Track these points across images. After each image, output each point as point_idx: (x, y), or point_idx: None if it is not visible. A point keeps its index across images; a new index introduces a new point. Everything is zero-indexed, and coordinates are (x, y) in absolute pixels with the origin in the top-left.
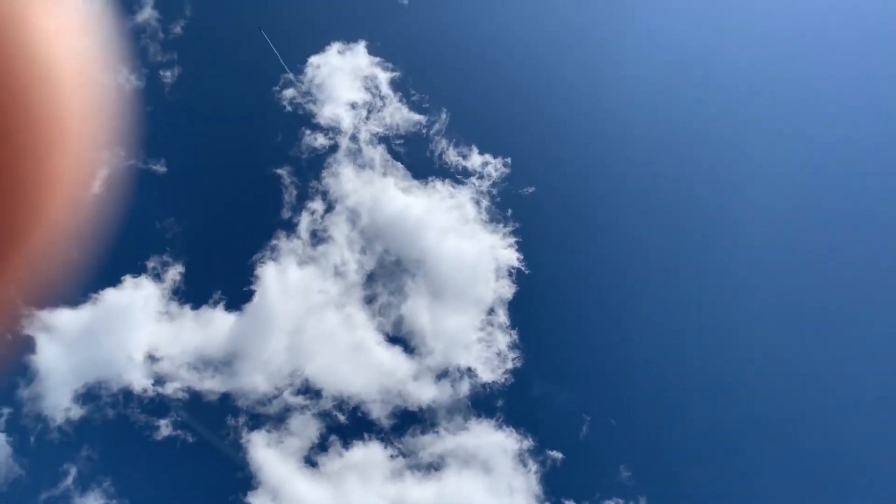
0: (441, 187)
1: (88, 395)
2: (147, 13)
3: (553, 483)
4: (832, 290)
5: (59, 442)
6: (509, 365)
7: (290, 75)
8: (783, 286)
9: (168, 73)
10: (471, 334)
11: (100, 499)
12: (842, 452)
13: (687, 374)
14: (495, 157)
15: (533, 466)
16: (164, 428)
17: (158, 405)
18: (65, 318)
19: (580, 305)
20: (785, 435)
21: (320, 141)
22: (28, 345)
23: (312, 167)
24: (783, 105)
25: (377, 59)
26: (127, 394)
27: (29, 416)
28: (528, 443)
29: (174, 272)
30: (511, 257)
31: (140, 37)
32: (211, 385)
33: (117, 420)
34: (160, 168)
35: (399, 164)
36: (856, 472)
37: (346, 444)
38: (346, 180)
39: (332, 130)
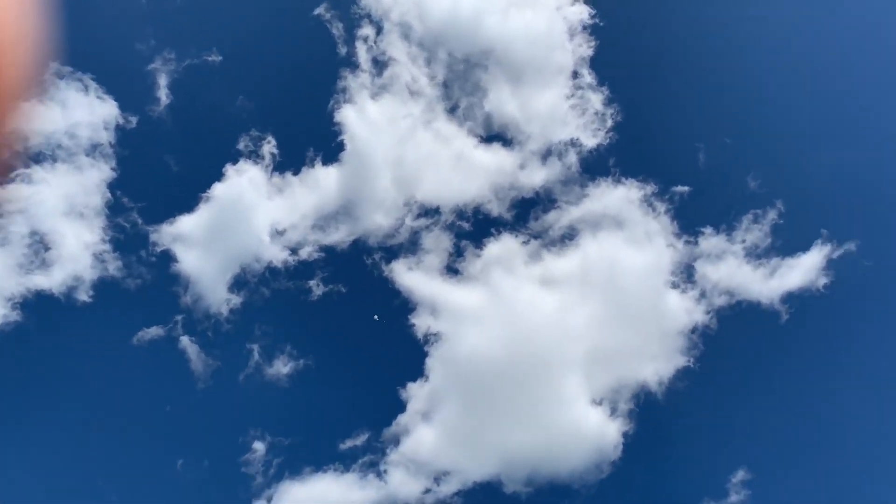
0: None
1: (238, 284)
2: None
3: (686, 216)
4: None
5: (233, 329)
6: (609, 122)
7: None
8: None
9: None
10: (563, 105)
11: (288, 362)
12: None
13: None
14: None
15: (662, 207)
16: (316, 287)
17: (303, 270)
18: (189, 224)
19: (663, 38)
20: None
21: None
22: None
23: None
24: None
25: None
26: (272, 270)
27: (199, 317)
28: (650, 188)
29: (267, 147)
30: (580, 12)
31: None
32: (339, 236)
33: (273, 294)
34: (215, 57)
35: None
36: None
37: (479, 245)
38: None
39: None
